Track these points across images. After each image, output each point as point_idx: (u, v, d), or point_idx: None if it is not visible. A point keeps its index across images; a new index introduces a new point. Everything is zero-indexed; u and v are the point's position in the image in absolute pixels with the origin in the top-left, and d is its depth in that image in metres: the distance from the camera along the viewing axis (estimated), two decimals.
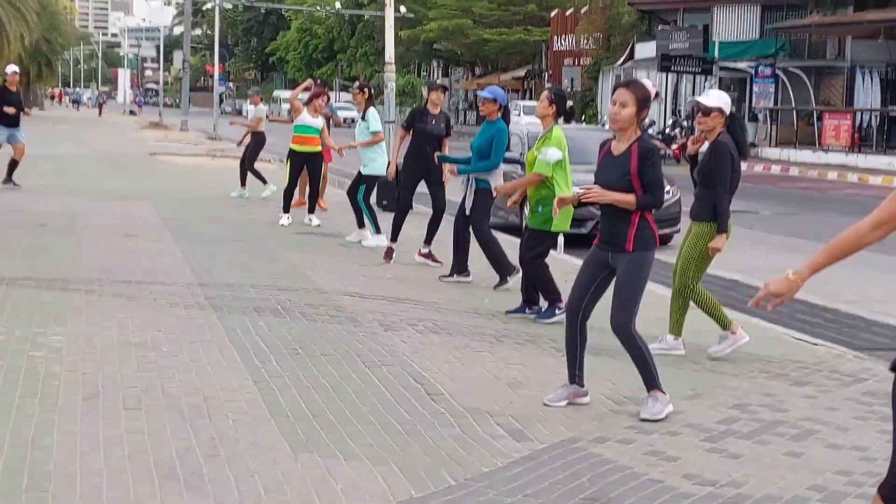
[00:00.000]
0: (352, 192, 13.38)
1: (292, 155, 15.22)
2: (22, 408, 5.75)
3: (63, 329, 7.65)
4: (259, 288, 9.77)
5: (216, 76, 48.90)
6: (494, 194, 10.56)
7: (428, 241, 11.92)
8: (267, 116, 19.66)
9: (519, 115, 44.90)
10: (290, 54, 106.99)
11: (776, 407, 6.51)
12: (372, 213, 13.22)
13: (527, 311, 9.26)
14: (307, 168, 15.06)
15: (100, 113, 76.94)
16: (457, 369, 7.10)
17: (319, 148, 15.16)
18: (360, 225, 13.46)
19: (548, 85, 51.48)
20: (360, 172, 13.22)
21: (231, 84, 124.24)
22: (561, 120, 9.34)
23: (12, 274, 9.83)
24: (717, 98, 7.83)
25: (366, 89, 13.44)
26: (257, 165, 19.37)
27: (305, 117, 15.05)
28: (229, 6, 68.04)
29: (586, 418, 6.11)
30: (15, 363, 6.65)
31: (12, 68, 19.75)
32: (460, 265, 10.88)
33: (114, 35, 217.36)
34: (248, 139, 19.31)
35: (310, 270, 11.02)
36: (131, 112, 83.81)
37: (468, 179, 10.63)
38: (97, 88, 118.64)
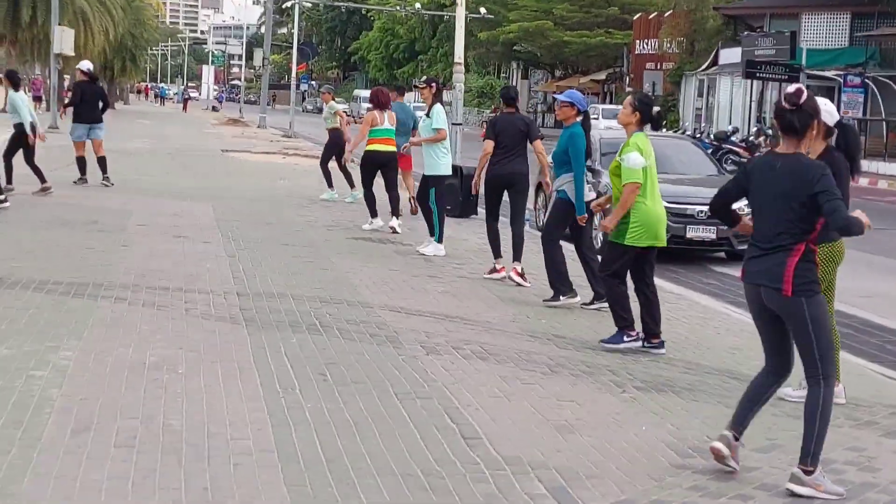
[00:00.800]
0: (422, 198, 12.68)
1: (367, 159, 14.67)
2: None
3: (77, 344, 7.04)
4: (300, 299, 9.10)
5: (293, 74, 48.56)
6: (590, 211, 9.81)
7: (517, 257, 10.97)
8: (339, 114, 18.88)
9: (598, 119, 43.94)
10: (371, 54, 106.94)
11: (865, 465, 5.64)
12: (440, 219, 12.46)
13: (625, 339, 8.32)
14: (381, 172, 14.32)
15: (185, 108, 77.62)
16: (501, 406, 6.33)
17: (393, 148, 14.43)
18: (431, 233, 12.71)
19: (629, 89, 50.45)
20: (424, 176, 12.53)
21: (314, 82, 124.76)
22: (647, 127, 8.51)
23: (44, 276, 9.28)
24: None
25: (433, 84, 12.71)
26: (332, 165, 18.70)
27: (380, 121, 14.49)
28: (309, 5, 67.87)
29: (643, 474, 5.30)
30: (10, 384, 6.04)
31: (86, 64, 19.36)
32: (595, 292, 9.83)
33: (203, 32, 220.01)
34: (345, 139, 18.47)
35: (357, 280, 10.33)
36: (213, 108, 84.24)
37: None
38: (183, 84, 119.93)
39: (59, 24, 42.62)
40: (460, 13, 19.68)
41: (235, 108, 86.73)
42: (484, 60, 78.81)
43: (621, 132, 8.94)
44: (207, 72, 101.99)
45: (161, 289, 9.14)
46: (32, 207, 14.53)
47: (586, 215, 9.68)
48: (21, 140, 16.34)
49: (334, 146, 18.54)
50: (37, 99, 51.04)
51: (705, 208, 12.91)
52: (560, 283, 9.89)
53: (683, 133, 35.93)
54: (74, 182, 18.22)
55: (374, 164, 14.39)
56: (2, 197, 14.15)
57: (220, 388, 6.26)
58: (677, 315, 9.93)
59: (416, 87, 13.54)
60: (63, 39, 35.70)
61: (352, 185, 18.06)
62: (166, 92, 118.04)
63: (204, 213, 15.10)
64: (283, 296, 9.20)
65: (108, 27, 55.10)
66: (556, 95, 10.29)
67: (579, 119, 9.86)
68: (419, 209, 13.23)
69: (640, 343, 8.27)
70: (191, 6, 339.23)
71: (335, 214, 16.15)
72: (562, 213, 9.90)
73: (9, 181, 16.10)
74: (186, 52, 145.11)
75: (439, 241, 12.44)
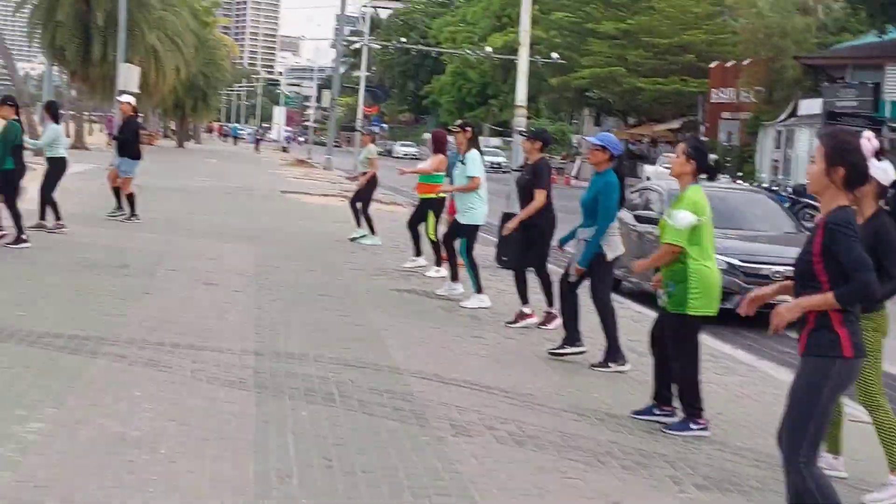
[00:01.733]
0: (448, 239, 12.01)
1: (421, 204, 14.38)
2: None
3: (52, 413, 6.15)
4: (322, 361, 8.17)
5: (359, 116, 48.07)
6: (610, 256, 8.96)
7: (550, 301, 10.61)
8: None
9: (669, 168, 42.73)
10: (443, 97, 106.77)
11: None
12: (475, 269, 11.65)
13: (656, 412, 7.40)
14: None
15: (256, 148, 77.46)
16: None
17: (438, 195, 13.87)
18: (453, 277, 11.96)
19: (704, 139, 49.13)
20: (456, 221, 11.76)
21: (385, 125, 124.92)
22: (703, 178, 7.52)
23: (46, 328, 8.46)
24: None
25: (468, 128, 11.85)
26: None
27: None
28: (378, 47, 67.61)
29: None
30: None
31: (125, 98, 18.79)
32: (569, 335, 9.23)
33: (280, 73, 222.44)
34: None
35: (392, 339, 9.38)
36: (283, 149, 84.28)
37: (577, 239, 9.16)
38: (257, 124, 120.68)
39: (130, 62, 42.64)
40: (523, 55, 18.84)
41: (306, 148, 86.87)
42: (556, 106, 77.95)
43: None
44: (279, 113, 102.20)
45: (170, 345, 8.26)
46: (64, 247, 13.81)
47: (583, 269, 8.96)
48: (56, 173, 15.70)
49: (368, 189, 17.91)
50: (111, 136, 51.04)
51: (782, 269, 11.86)
52: (610, 350, 9.03)
53: (759, 185, 34.63)
54: (126, 218, 17.79)
55: (424, 209, 14.35)
56: (24, 236, 13.53)
57: (202, 477, 5.33)
58: (748, 391, 8.85)
59: (449, 130, 12.70)
60: (128, 77, 35.45)
61: (361, 223, 17.70)
62: (238, 132, 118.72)
63: (244, 257, 14.29)
64: (304, 357, 8.28)
65: (179, 65, 55.19)
66: (587, 138, 9.39)
67: (612, 165, 9.05)
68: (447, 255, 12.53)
69: (708, 433, 7.21)
70: (269, 49, 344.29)
71: (382, 260, 15.27)
72: (601, 268, 9.05)
73: (57, 217, 15.55)
74: (260, 92, 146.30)
75: (479, 291, 11.63)
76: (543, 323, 10.60)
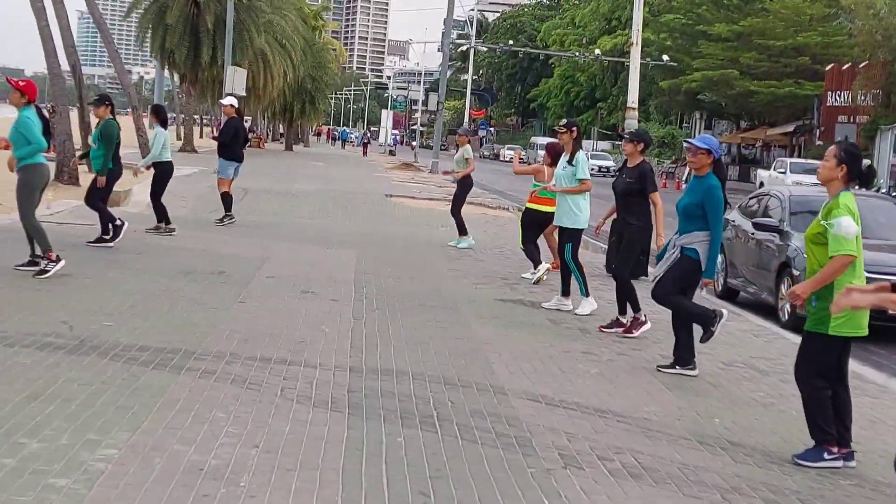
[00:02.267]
0: (561, 252, 11.46)
1: (527, 213, 13.73)
2: None
3: (127, 437, 5.69)
4: (421, 379, 7.62)
5: (465, 119, 47.59)
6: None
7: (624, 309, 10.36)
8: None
9: (785, 173, 41.43)
10: (550, 101, 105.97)
11: None
12: (581, 274, 11.08)
13: (826, 456, 6.54)
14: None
15: (364, 152, 77.27)
16: None
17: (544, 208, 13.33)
18: (564, 291, 11.33)
19: (819, 143, 47.60)
20: (560, 227, 11.21)
21: (492, 129, 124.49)
22: (855, 185, 6.79)
23: (132, 339, 8.06)
24: None
25: (574, 129, 11.25)
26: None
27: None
28: (485, 49, 67.11)
29: None
30: (18, 498, 4.71)
31: (228, 100, 18.54)
32: (683, 353, 8.61)
33: (388, 77, 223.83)
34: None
35: (496, 355, 8.79)
36: (391, 152, 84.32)
37: (673, 245, 8.58)
38: (364, 128, 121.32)
39: (238, 65, 42.86)
40: (635, 54, 18.15)
41: (413, 152, 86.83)
42: (666, 109, 76.56)
43: (812, 189, 7.24)
44: (386, 116, 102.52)
45: (261, 360, 7.79)
46: (162, 252, 13.53)
47: (713, 280, 8.74)
48: (164, 178, 15.59)
49: (465, 191, 17.38)
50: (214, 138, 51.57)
51: None
52: (682, 357, 8.70)
53: (878, 191, 33.19)
54: (219, 222, 17.49)
55: (535, 222, 13.76)
56: (108, 237, 13.45)
57: None
58: (882, 415, 8.07)
59: (554, 130, 12.10)
60: (235, 80, 35.58)
61: (464, 232, 17.20)
62: (348, 135, 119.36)
63: (344, 264, 13.84)
64: (402, 374, 7.74)
65: (286, 69, 55.46)
66: (690, 141, 8.71)
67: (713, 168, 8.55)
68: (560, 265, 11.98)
69: (841, 462, 6.48)
70: (377, 52, 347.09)
71: (488, 268, 14.70)
72: (685, 273, 8.51)
73: (167, 222, 15.56)
74: (368, 96, 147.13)
75: (587, 294, 11.16)
76: (609, 325, 10.29)
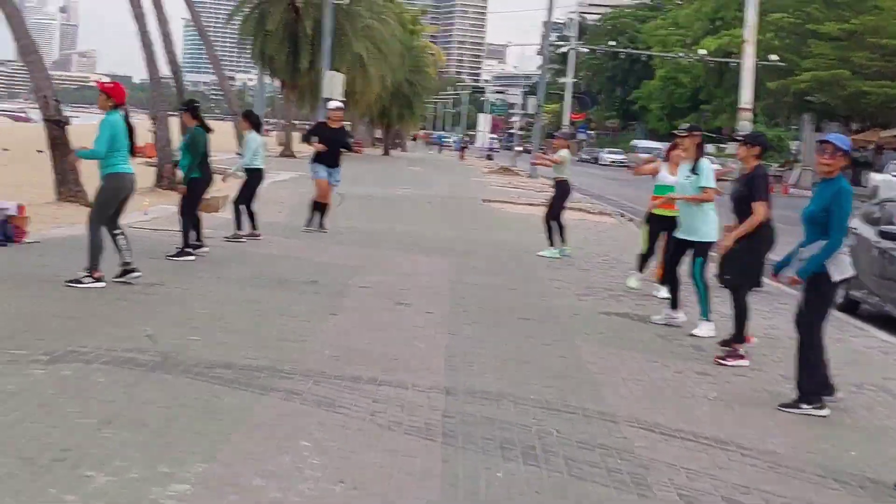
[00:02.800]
0: (672, 263, 10.68)
1: (651, 219, 12.91)
2: None
3: (203, 470, 5.17)
4: (523, 403, 7.02)
5: (565, 122, 46.81)
6: (836, 277, 7.56)
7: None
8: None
9: None
10: (652, 103, 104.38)
11: None
12: (707, 293, 10.27)
13: None
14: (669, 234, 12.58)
15: (461, 157, 76.65)
16: None
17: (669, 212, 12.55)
18: (674, 304, 10.61)
19: None
20: (678, 239, 10.46)
21: (591, 132, 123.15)
22: None
23: (216, 356, 7.60)
24: None
25: (697, 133, 10.49)
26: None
27: (665, 176, 12.59)
28: (586, 50, 66.15)
29: None
30: None
31: (335, 104, 18.11)
32: (817, 386, 7.77)
33: (486, 81, 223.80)
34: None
35: (602, 375, 8.15)
36: (488, 157, 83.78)
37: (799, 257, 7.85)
38: (462, 132, 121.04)
39: (336, 70, 42.72)
40: (748, 52, 17.29)
41: (511, 155, 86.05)
42: (773, 111, 74.66)
43: None
44: (484, 120, 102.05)
45: (350, 379, 7.27)
46: (254, 260, 13.16)
47: (802, 280, 7.65)
48: (252, 185, 15.25)
49: (562, 198, 16.59)
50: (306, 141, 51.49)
51: None
52: (809, 388, 7.68)
53: None
54: (307, 226, 17.21)
55: (658, 228, 12.93)
56: (200, 243, 13.03)
57: None
58: None
59: (674, 134, 11.33)
60: (332, 84, 35.38)
61: (556, 241, 16.39)
62: (445, 140, 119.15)
63: (440, 273, 13.31)
64: (502, 397, 7.14)
65: (384, 74, 55.27)
66: (827, 138, 7.82)
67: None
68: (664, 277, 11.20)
69: None
70: (475, 57, 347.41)
71: (591, 278, 14.04)
72: (823, 294, 7.65)
73: (253, 226, 15.21)
74: (466, 100, 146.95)
75: (707, 316, 10.31)
76: (723, 358, 9.15)
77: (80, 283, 9.94)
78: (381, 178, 36.98)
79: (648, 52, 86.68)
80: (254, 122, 15.56)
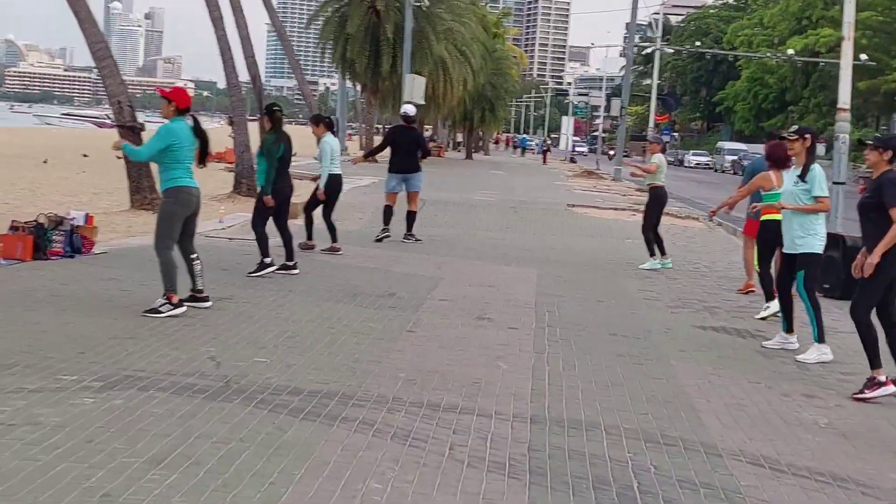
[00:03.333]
0: (783, 282, 9.82)
1: (761, 229, 11.91)
2: None
3: None
4: (616, 433, 6.38)
5: (650, 125, 45.85)
6: None
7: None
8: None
9: None
10: (738, 104, 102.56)
11: None
12: (816, 310, 9.37)
13: None
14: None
15: (544, 161, 75.14)
16: None
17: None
18: (788, 327, 9.79)
19: None
20: (786, 254, 9.61)
21: (676, 134, 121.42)
22: None
23: (284, 380, 7.08)
24: None
25: (807, 136, 9.66)
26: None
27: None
28: (671, 51, 64.96)
29: None
30: None
31: (406, 108, 17.47)
32: None
33: (568, 84, 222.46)
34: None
35: (702, 400, 7.46)
36: (571, 159, 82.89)
37: None
38: (545, 135, 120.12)
39: (418, 73, 42.31)
40: (846, 49, 16.41)
41: (593, 159, 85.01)
42: (861, 112, 72.63)
43: None
44: (567, 123, 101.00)
45: (428, 406, 6.70)
46: (329, 271, 12.69)
47: None
48: (331, 193, 14.69)
49: (657, 206, 15.74)
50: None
51: None
52: None
53: None
54: (376, 239, 16.38)
55: (772, 236, 11.73)
56: (291, 263, 12.37)
57: None
58: None
59: (781, 137, 10.44)
60: (414, 88, 34.93)
61: (656, 252, 15.51)
62: (528, 143, 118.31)
63: (524, 284, 12.70)
64: (593, 427, 6.51)
65: (466, 77, 54.79)
66: None
67: None
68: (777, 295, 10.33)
69: None
70: (558, 59, 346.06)
71: (683, 288, 13.32)
72: None
73: (333, 239, 14.58)
74: (549, 103, 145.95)
75: (821, 340, 9.37)
76: (861, 392, 8.11)
77: (160, 312, 9.12)
78: (463, 183, 36.46)
79: (735, 53, 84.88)
80: (327, 125, 14.91)
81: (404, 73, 35.94)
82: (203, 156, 9.77)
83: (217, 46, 25.56)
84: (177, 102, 9.52)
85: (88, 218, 12.97)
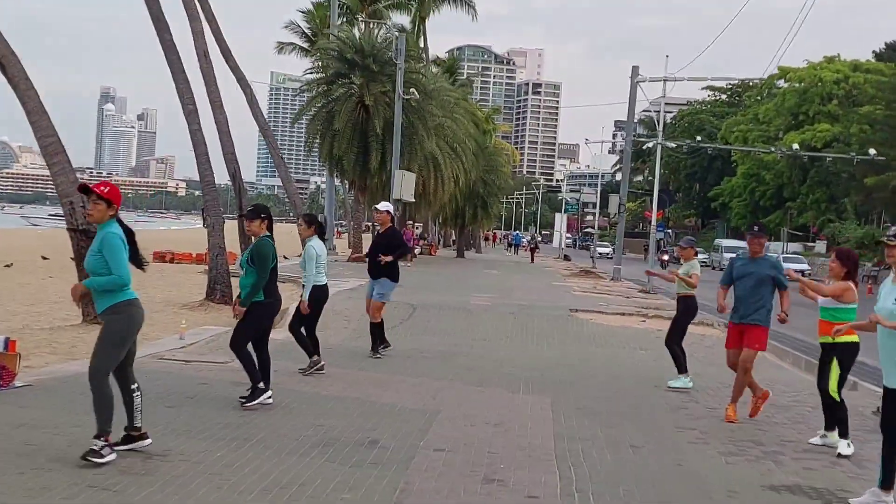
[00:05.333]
0: (889, 423, 7.62)
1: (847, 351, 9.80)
2: None
3: None
4: None
5: (654, 221, 43.89)
6: None
7: None
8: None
9: None
10: (733, 201, 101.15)
11: None
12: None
13: None
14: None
15: (532, 259, 72.00)
16: None
17: (855, 338, 9.57)
18: (887, 482, 7.56)
19: None
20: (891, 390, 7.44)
21: (669, 231, 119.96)
22: None
23: None
24: None
25: None
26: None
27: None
28: (673, 145, 63.41)
29: None
30: None
31: (381, 205, 15.21)
32: None
33: (558, 181, 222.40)
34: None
35: None
36: (565, 257, 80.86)
37: None
38: (536, 231, 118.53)
39: (409, 170, 40.43)
40: None
41: (587, 255, 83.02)
42: (866, 208, 71.07)
43: None
44: (560, 219, 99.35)
45: None
46: (300, 405, 10.36)
47: None
48: (316, 305, 12.48)
49: (688, 317, 13.73)
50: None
51: None
52: None
53: None
54: (369, 356, 14.28)
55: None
56: (263, 387, 10.15)
57: None
58: None
59: (883, 242, 8.26)
60: (403, 184, 32.95)
61: (681, 369, 13.42)
62: (521, 239, 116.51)
63: (539, 421, 10.38)
64: None
65: (458, 174, 52.95)
66: None
67: None
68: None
69: None
70: (548, 156, 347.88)
71: (728, 423, 10.99)
72: None
73: (315, 352, 12.44)
74: (540, 199, 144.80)
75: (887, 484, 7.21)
76: None
77: (101, 456, 7.31)
78: (456, 284, 34.26)
79: (738, 148, 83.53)
80: (318, 227, 12.64)
81: (393, 168, 33.95)
82: (138, 259, 7.79)
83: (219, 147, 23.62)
84: (116, 203, 7.65)
85: (10, 343, 10.61)
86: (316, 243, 12.44)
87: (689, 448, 9.54)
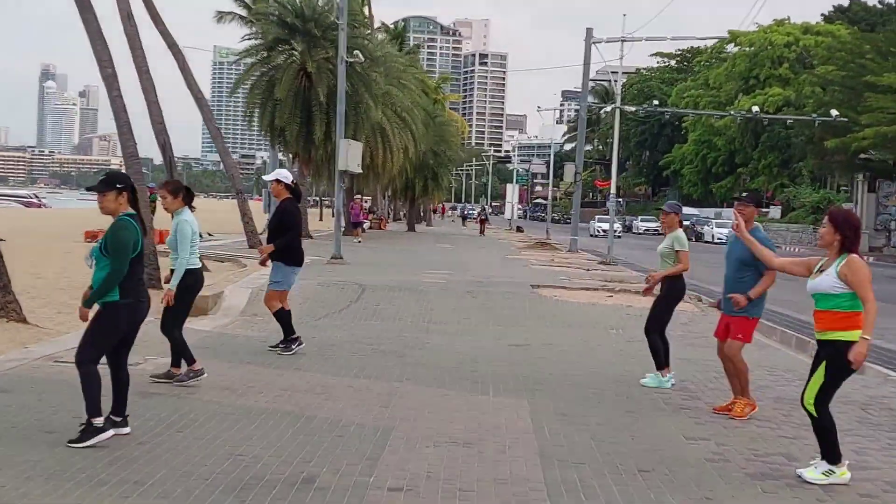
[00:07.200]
0: None
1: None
2: None
3: None
4: None
5: (613, 187, 42.03)
6: None
7: None
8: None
9: None
10: (685, 168, 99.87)
11: None
12: None
13: None
14: None
15: (481, 230, 68.85)
16: None
17: (855, 336, 7.44)
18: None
19: None
20: None
21: (620, 199, 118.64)
22: None
23: None
24: None
25: None
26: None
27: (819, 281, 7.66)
28: (632, 109, 61.55)
29: None
30: None
31: (273, 175, 12.56)
32: None
33: (507, 152, 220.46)
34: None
35: None
36: (518, 228, 79.00)
37: None
38: (487, 203, 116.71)
39: (354, 139, 38.22)
40: None
41: (538, 226, 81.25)
42: (821, 172, 69.81)
43: None
44: (512, 190, 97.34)
45: None
46: (215, 424, 8.24)
47: None
48: (185, 295, 10.06)
49: (674, 302, 11.31)
50: (356, 226, 46.20)
51: None
52: None
53: None
54: (271, 347, 12.26)
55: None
56: (119, 420, 7.88)
57: None
58: None
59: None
60: (350, 154, 30.72)
61: (659, 364, 11.15)
62: (472, 212, 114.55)
63: (518, 434, 8.34)
64: None
65: (407, 144, 50.76)
66: None
67: None
68: None
69: None
70: (496, 128, 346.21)
71: (742, 429, 9.02)
72: None
73: (190, 360, 10.01)
74: (491, 171, 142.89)
75: None
76: None
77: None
78: (408, 260, 32.18)
79: (696, 112, 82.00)
80: (187, 196, 10.17)
81: (337, 138, 31.70)
82: None
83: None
84: None
85: None
86: (189, 216, 10.01)
87: (710, 472, 7.49)
